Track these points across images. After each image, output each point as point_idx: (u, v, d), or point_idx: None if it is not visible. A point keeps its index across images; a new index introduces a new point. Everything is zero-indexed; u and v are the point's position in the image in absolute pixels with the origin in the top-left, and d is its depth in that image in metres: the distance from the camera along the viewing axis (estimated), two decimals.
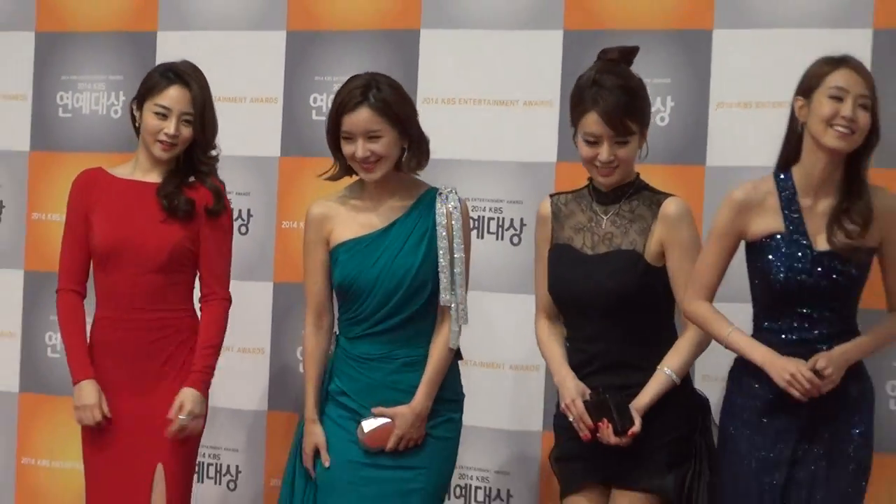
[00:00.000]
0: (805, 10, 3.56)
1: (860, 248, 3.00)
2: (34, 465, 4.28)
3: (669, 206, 3.15)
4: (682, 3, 3.65)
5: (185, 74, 3.48)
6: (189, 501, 3.53)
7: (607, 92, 3.10)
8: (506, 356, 3.77)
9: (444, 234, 3.23)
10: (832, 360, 2.97)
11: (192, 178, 3.50)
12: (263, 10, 4.06)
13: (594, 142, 3.10)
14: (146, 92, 3.48)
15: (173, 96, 3.43)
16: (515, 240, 3.78)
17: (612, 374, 3.16)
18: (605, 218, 3.16)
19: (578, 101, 3.17)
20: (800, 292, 2.99)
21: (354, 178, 3.33)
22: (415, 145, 3.23)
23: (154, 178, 3.49)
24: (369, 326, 3.25)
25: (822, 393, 2.96)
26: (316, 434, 3.27)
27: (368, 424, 3.27)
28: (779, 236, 3.00)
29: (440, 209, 3.25)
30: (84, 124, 4.23)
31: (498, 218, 3.85)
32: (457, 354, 3.36)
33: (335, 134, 3.24)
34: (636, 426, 3.07)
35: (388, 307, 3.24)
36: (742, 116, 3.62)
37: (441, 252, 3.23)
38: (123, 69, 4.20)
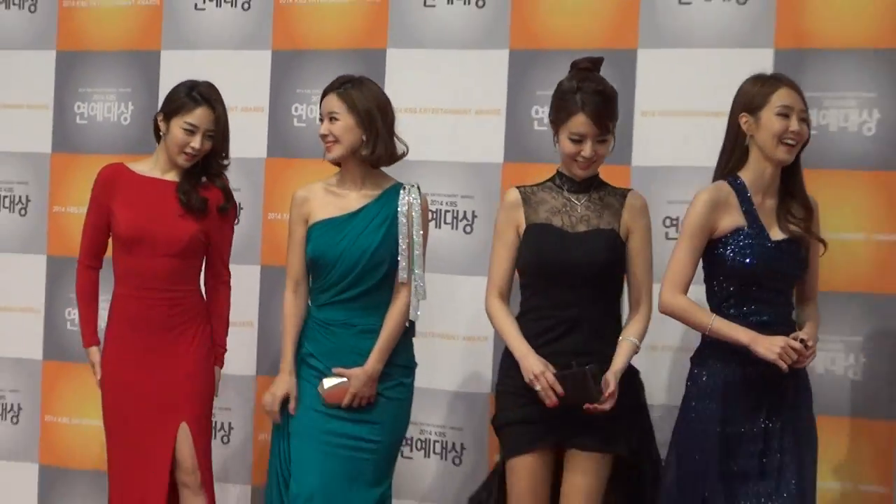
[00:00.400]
0: (715, 32, 3.74)
1: (807, 235, 3.20)
2: (56, 422, 4.49)
3: (636, 198, 3.31)
4: (610, 26, 3.84)
5: (211, 97, 3.63)
6: (211, 451, 3.69)
7: (591, 96, 3.21)
8: (460, 329, 3.95)
9: (403, 221, 3.39)
10: (811, 336, 3.14)
11: (203, 179, 3.67)
12: (252, 32, 4.24)
13: (579, 140, 3.21)
14: (175, 110, 3.62)
15: (200, 116, 3.56)
16: (468, 229, 3.97)
17: (573, 337, 3.26)
18: (578, 203, 3.28)
19: (563, 105, 3.25)
20: (766, 277, 3.15)
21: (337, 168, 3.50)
22: (372, 139, 3.36)
23: (172, 177, 3.62)
24: (333, 295, 3.42)
25: (804, 364, 3.09)
26: (289, 383, 3.42)
27: (328, 382, 3.41)
28: (744, 231, 3.15)
29: (402, 200, 3.41)
30: (98, 130, 4.43)
31: (453, 210, 4.03)
32: (411, 330, 3.48)
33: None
34: (612, 387, 3.14)
35: (348, 279, 3.40)
36: (662, 123, 3.78)
37: (401, 237, 3.39)
38: (132, 82, 4.41)
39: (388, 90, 3.84)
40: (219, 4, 4.19)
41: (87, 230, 3.69)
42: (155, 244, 3.58)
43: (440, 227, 3.99)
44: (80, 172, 4.35)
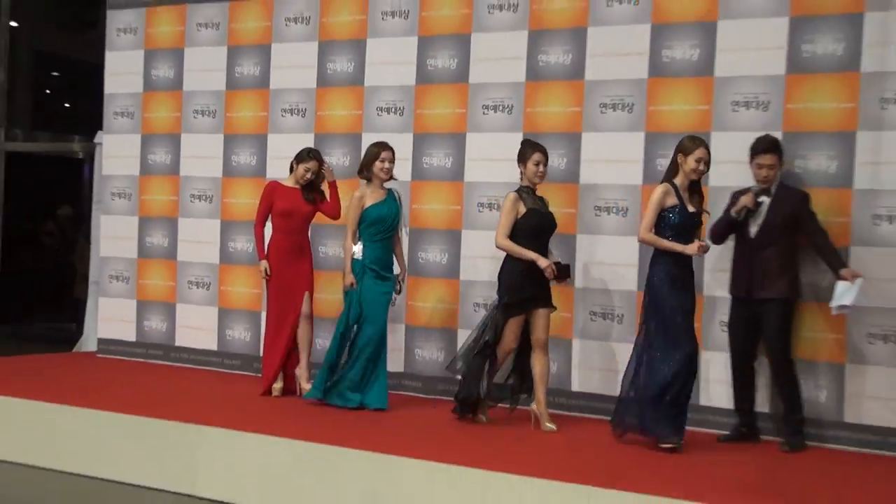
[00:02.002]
0: (494, 123, 6.53)
1: (700, 209, 5.27)
2: (225, 290, 7.64)
3: (546, 199, 5.45)
4: (451, 116, 6.69)
5: (317, 156, 6.36)
6: (312, 303, 6.35)
7: (540, 146, 5.50)
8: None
9: (400, 203, 6.17)
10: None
11: (312, 188, 6.38)
12: (305, 123, 7.14)
13: (538, 163, 5.40)
14: (301, 159, 6.33)
15: (311, 164, 6.32)
16: (405, 208, 6.49)
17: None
18: (536, 199, 5.48)
19: (529, 150, 5.43)
20: (687, 227, 5.21)
21: (365, 183, 6.07)
22: None
23: (298, 187, 6.35)
24: (381, 236, 6.14)
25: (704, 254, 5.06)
26: (353, 279, 6.09)
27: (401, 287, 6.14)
28: (678, 206, 5.19)
29: (397, 196, 6.19)
30: (241, 167, 7.45)
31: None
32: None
33: (375, 158, 6.02)
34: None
35: (387, 228, 6.14)
36: (489, 166, 6.46)
37: (400, 210, 6.13)
38: (253, 149, 7.50)
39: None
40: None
41: (260, 211, 6.45)
42: (294, 215, 6.36)
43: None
44: (234, 186, 7.55)
